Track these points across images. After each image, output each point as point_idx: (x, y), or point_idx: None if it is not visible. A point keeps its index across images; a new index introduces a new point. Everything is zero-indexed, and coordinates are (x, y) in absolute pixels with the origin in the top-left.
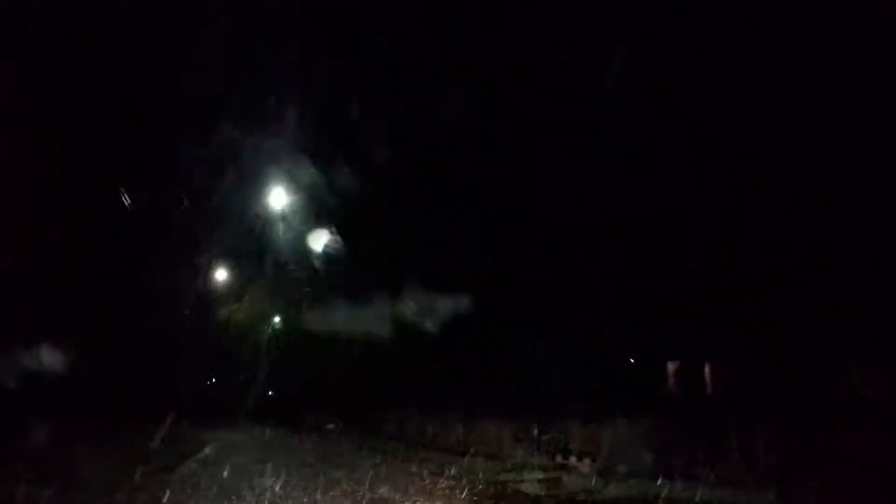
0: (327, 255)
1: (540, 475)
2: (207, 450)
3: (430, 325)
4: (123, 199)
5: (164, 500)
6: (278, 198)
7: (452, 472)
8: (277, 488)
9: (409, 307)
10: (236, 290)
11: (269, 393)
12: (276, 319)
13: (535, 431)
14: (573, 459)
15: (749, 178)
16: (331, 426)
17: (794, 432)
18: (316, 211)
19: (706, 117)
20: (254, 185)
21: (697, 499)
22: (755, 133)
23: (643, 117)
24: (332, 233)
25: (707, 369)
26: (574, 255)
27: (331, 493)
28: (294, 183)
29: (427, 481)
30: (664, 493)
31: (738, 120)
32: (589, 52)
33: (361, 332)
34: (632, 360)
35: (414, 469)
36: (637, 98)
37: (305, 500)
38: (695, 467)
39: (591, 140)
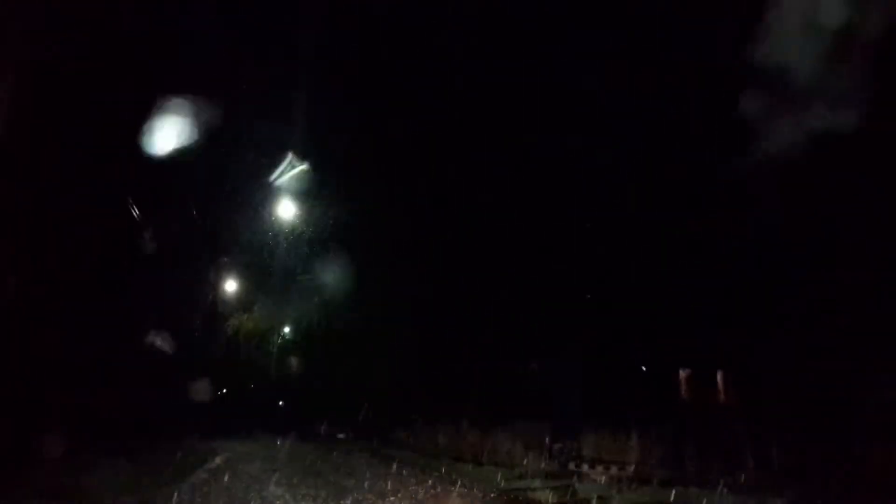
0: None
1: (553, 483)
2: (217, 459)
3: (439, 337)
4: (132, 210)
5: None
6: (287, 209)
7: (465, 480)
8: (287, 497)
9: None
10: (245, 299)
11: (280, 403)
12: (286, 330)
13: (548, 440)
14: (586, 467)
15: (760, 185)
16: (342, 436)
17: (808, 439)
18: (328, 221)
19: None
20: (262, 196)
21: None
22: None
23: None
24: (339, 245)
25: (720, 377)
26: (585, 266)
27: (341, 502)
28: (302, 195)
29: (439, 490)
30: (678, 500)
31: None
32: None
33: (373, 342)
34: (644, 369)
35: (426, 478)
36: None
37: None
38: (709, 474)
39: (597, 150)
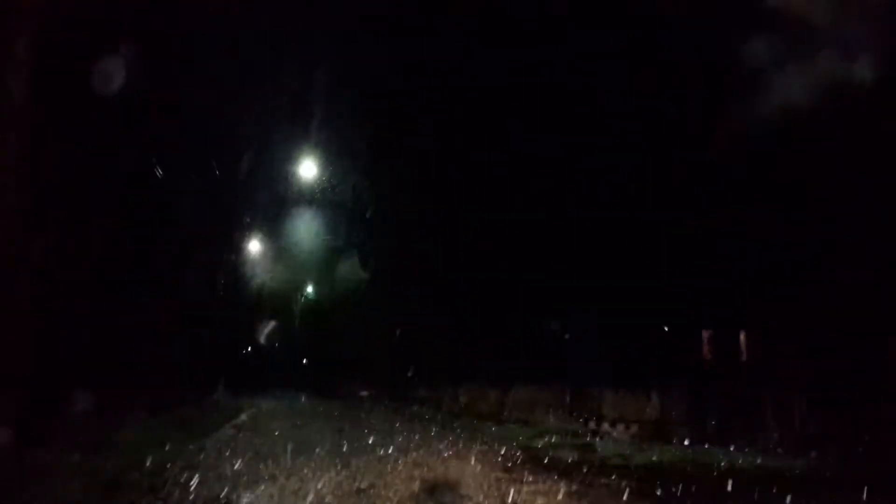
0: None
1: (573, 440)
2: (244, 416)
3: (461, 295)
4: (156, 169)
5: (199, 463)
6: (308, 169)
7: (485, 438)
8: (311, 452)
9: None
10: (269, 260)
11: (304, 361)
12: (309, 290)
13: (568, 398)
14: (606, 426)
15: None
16: (364, 393)
17: (830, 400)
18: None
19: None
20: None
21: (732, 465)
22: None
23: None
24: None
25: (742, 337)
26: (608, 224)
27: (365, 457)
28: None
29: (460, 446)
30: (699, 459)
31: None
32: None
33: (395, 303)
34: (666, 328)
35: (447, 434)
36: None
37: (339, 463)
38: (730, 435)
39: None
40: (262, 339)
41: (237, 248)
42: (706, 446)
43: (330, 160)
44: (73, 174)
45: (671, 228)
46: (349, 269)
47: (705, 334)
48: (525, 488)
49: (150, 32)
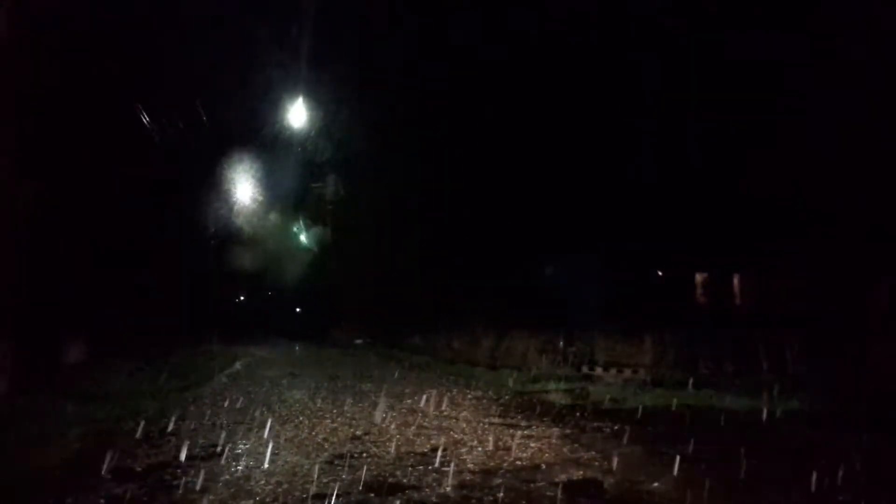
0: (349, 171)
1: (566, 385)
2: (238, 364)
3: (454, 241)
4: (141, 114)
5: (194, 410)
6: (299, 116)
7: (479, 383)
8: (306, 399)
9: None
10: (260, 207)
11: (297, 310)
12: (302, 237)
13: (561, 343)
14: (599, 370)
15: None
16: (359, 341)
17: (822, 342)
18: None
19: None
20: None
21: (725, 407)
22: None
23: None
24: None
25: (736, 280)
26: (601, 166)
27: (359, 405)
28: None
29: (455, 392)
30: (691, 401)
31: None
32: None
33: (388, 248)
34: (659, 272)
35: (442, 381)
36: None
37: (334, 410)
38: (722, 377)
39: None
40: (255, 288)
41: (228, 196)
42: (699, 389)
43: (320, 105)
44: (63, 117)
45: (664, 170)
46: (342, 216)
47: (699, 278)
48: (518, 433)
49: None
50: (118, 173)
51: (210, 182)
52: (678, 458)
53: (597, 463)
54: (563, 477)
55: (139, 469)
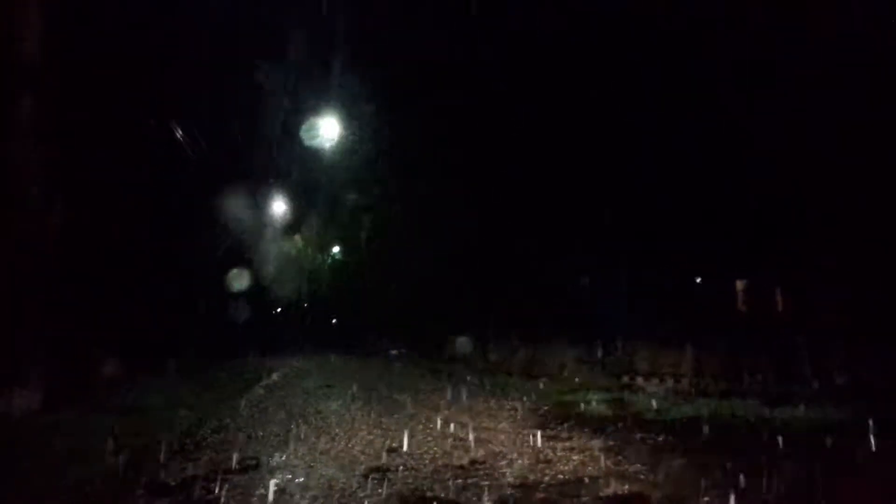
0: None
1: (606, 395)
2: (274, 376)
3: (488, 252)
4: (176, 131)
5: (231, 423)
6: (331, 128)
7: (516, 394)
8: (342, 410)
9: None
10: (294, 220)
11: (333, 321)
12: (336, 249)
13: (600, 352)
14: (640, 380)
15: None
16: (394, 352)
17: (867, 351)
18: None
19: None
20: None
21: (769, 417)
22: None
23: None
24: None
25: (778, 288)
26: (641, 174)
27: (395, 416)
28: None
29: (492, 402)
30: (736, 411)
31: None
32: None
33: (424, 260)
34: (698, 280)
35: (478, 391)
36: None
37: (370, 421)
38: (767, 387)
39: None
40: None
41: (261, 209)
42: (744, 399)
43: (353, 116)
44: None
45: (703, 179)
46: (377, 227)
47: (739, 285)
48: (560, 444)
49: None
50: (151, 192)
51: (244, 197)
52: (727, 471)
53: (643, 476)
54: (609, 491)
55: (174, 483)
